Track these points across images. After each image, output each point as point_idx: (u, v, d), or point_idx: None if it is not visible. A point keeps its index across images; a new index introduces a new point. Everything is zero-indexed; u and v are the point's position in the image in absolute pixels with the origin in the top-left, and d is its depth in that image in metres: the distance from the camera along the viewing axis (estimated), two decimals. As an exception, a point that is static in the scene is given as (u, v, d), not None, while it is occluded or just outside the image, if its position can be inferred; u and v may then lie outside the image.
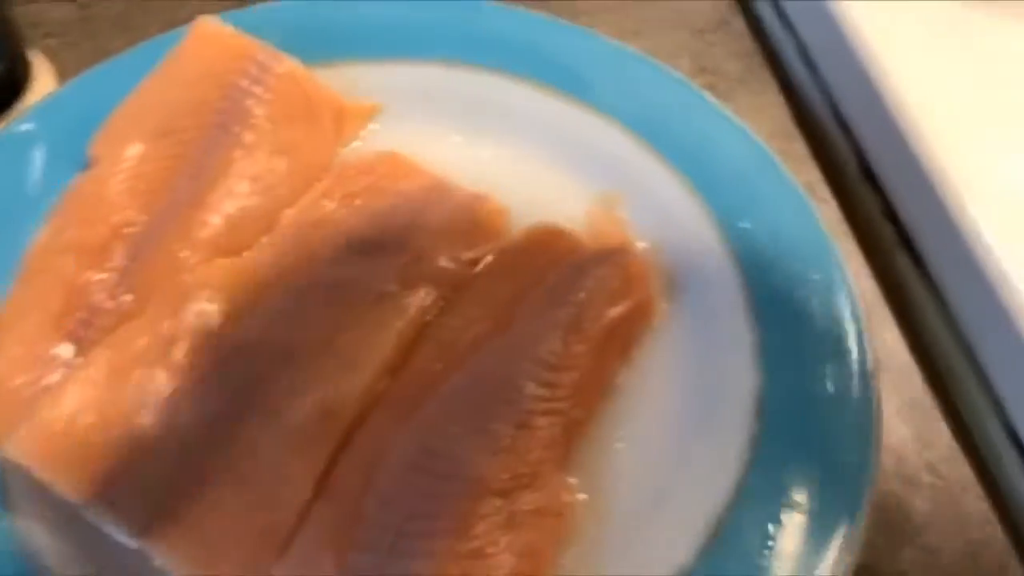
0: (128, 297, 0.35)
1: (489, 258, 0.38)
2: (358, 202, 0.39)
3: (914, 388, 0.39)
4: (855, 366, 0.35)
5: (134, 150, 0.38)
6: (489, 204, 0.40)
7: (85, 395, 0.32)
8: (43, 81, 0.43)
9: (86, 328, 0.35)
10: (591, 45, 0.44)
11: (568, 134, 0.42)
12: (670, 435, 0.35)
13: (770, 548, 0.31)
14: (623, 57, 0.44)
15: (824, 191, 0.44)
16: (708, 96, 0.43)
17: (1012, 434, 0.37)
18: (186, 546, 0.30)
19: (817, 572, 0.31)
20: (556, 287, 0.36)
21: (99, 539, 0.31)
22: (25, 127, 0.39)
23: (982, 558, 0.35)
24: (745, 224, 0.39)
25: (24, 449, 0.31)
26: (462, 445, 0.32)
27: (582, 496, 0.33)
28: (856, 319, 0.36)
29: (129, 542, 0.31)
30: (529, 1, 0.49)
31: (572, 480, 0.34)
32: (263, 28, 0.42)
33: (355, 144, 0.42)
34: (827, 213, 0.43)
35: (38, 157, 0.39)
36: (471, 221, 0.39)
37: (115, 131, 0.38)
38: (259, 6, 0.44)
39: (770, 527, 0.32)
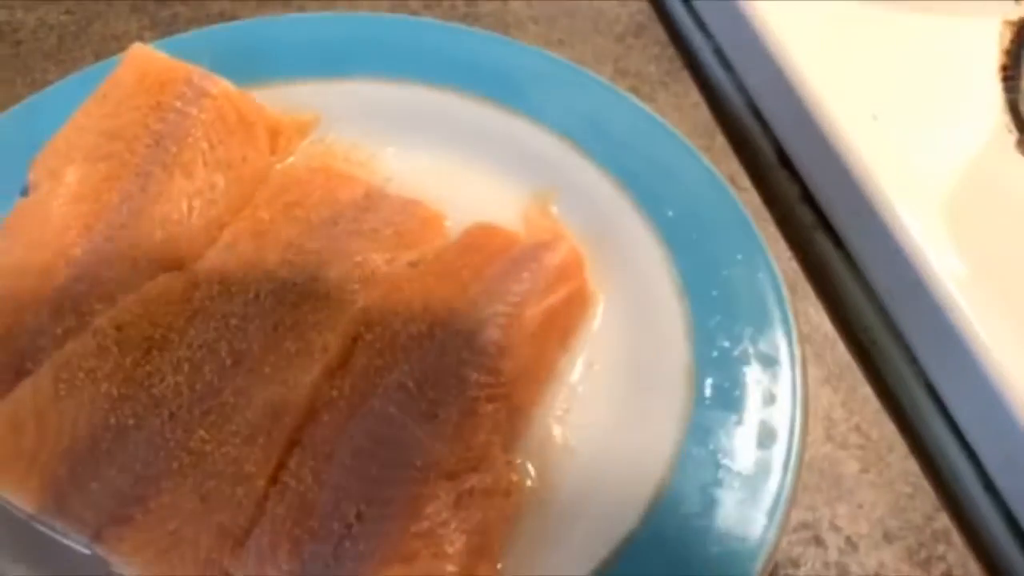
0: (72, 319, 0.36)
1: (428, 259, 0.40)
2: (296, 212, 0.40)
3: (839, 358, 0.41)
4: (780, 335, 0.37)
5: (73, 174, 0.39)
6: (425, 209, 0.41)
7: (32, 406, 0.33)
8: (-21, 116, 0.44)
9: (33, 350, 0.35)
10: (517, 54, 0.46)
11: (500, 139, 0.44)
12: (610, 412, 0.36)
13: (711, 509, 0.33)
14: (549, 64, 0.46)
15: (745, 181, 0.46)
16: (631, 97, 0.45)
17: (933, 394, 0.39)
18: (141, 549, 0.31)
19: (755, 528, 0.32)
20: (494, 280, 0.38)
21: (54, 546, 0.32)
22: (-37, 158, 0.40)
23: (911, 510, 0.37)
24: (670, 213, 0.41)
25: (-24, 464, 0.31)
26: (410, 432, 0.33)
27: (529, 475, 0.35)
28: (778, 291, 0.38)
29: (83, 548, 0.32)
30: (461, 12, 0.51)
31: (518, 461, 0.35)
32: (196, 53, 0.43)
33: (291, 160, 0.43)
34: (749, 201, 0.45)
35: (-23, 187, 0.39)
36: (408, 225, 0.41)
37: (54, 156, 0.39)
38: (191, 32, 0.45)
39: (709, 489, 0.33)
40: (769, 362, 0.36)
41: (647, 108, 0.45)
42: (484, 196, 0.43)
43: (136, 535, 0.31)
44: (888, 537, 0.36)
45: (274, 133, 0.42)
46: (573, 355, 0.38)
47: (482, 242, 0.40)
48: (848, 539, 0.36)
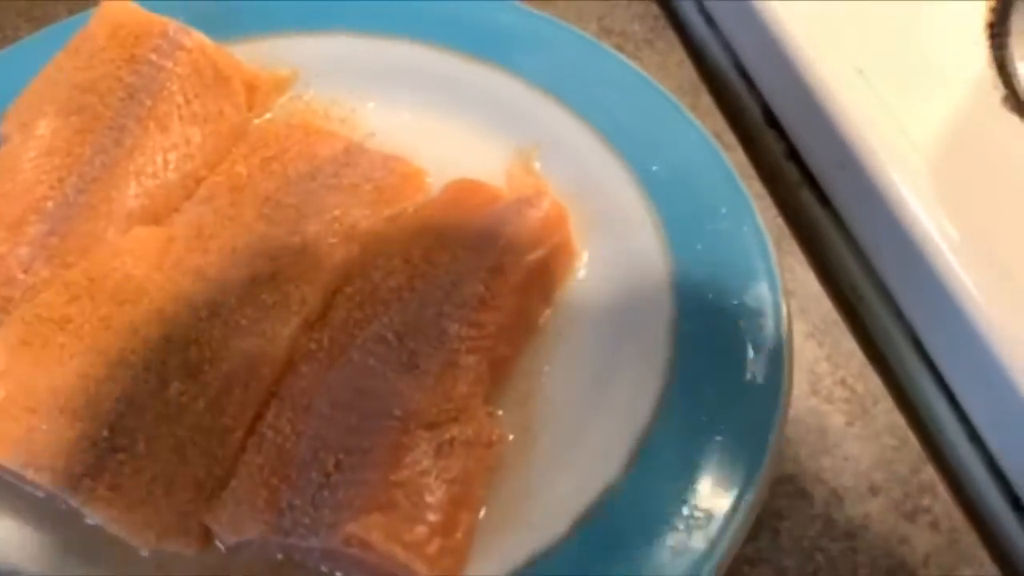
0: (44, 271, 0.35)
1: (409, 213, 0.39)
2: (274, 167, 0.39)
3: (824, 312, 0.40)
4: (765, 288, 0.37)
5: (46, 126, 0.38)
6: (405, 164, 0.41)
7: (6, 362, 0.32)
8: (-50, 72, 0.43)
9: (3, 302, 0.34)
10: (500, 9, 0.46)
11: (482, 95, 0.43)
12: (593, 364, 0.36)
13: (692, 461, 0.33)
14: (532, 19, 0.45)
15: (731, 138, 0.46)
16: (615, 52, 0.44)
17: (918, 345, 0.39)
18: (115, 500, 0.31)
19: (738, 480, 0.32)
20: (476, 234, 0.37)
21: (31, 501, 0.31)
22: (-68, 112, 0.39)
23: (896, 462, 0.36)
24: (655, 167, 0.41)
25: (-55, 416, 0.31)
26: (390, 383, 0.32)
27: (510, 426, 0.34)
28: (763, 245, 0.38)
29: (59, 503, 0.31)
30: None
31: (499, 412, 0.34)
32: (171, 7, 0.42)
33: (268, 116, 0.42)
34: (735, 159, 0.44)
35: (-53, 141, 0.39)
36: (388, 181, 0.40)
37: (25, 109, 0.38)
38: (166, -13, 0.44)
39: (691, 441, 0.33)
40: (753, 314, 0.36)
41: (632, 64, 0.44)
42: (466, 152, 0.42)
43: (110, 487, 0.30)
44: (873, 489, 0.36)
45: (251, 88, 0.42)
46: (556, 308, 0.38)
47: (464, 197, 0.40)
48: (833, 491, 0.36)
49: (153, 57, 0.39)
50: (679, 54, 0.49)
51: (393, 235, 0.38)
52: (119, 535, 0.31)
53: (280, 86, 0.43)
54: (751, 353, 0.35)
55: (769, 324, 0.36)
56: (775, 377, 0.35)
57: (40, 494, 0.31)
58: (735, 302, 0.36)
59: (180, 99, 0.39)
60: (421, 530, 0.30)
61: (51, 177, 0.37)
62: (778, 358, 0.35)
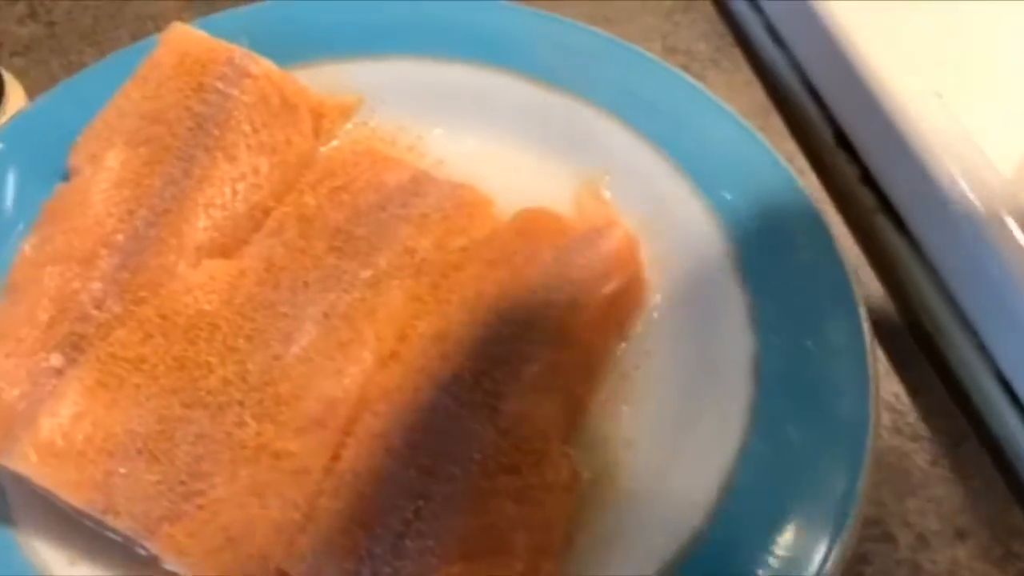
0: (117, 306, 0.35)
1: (478, 245, 0.38)
2: (343, 197, 0.39)
3: (904, 345, 0.39)
4: (848, 323, 0.35)
5: (114, 158, 0.37)
6: (473, 193, 0.40)
7: (81, 404, 0.32)
8: (14, 100, 0.43)
9: (76, 338, 0.34)
10: (566, 31, 0.45)
11: (549, 120, 0.43)
12: (671, 403, 0.35)
13: (780, 505, 0.32)
14: (598, 41, 0.44)
15: (802, 162, 0.45)
16: (683, 74, 0.43)
17: (1003, 382, 0.38)
18: (193, 547, 0.30)
19: (826, 525, 0.31)
20: (549, 267, 0.37)
21: (107, 546, 0.31)
22: (3, 143, 0.39)
23: (984, 505, 0.35)
24: (728, 195, 0.39)
25: (23, 460, 0.30)
26: (467, 425, 0.32)
27: (587, 469, 0.33)
28: (844, 277, 0.37)
29: (136, 547, 0.31)
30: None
31: (577, 455, 0.34)
32: (235, 32, 0.41)
33: (335, 142, 0.42)
34: (806, 182, 0.43)
35: (16, 173, 0.39)
36: (456, 210, 0.39)
37: (94, 140, 0.38)
38: (229, 11, 0.44)
39: (778, 485, 0.32)
40: (837, 352, 0.35)
41: (700, 86, 0.43)
42: (534, 179, 0.42)
43: (188, 533, 0.30)
44: (961, 534, 0.35)
45: (317, 115, 0.41)
46: (631, 344, 0.37)
47: (534, 227, 0.39)
48: (919, 535, 0.35)
49: (220, 85, 0.39)
50: (746, 74, 0.48)
51: (464, 268, 0.37)
52: (197, 581, 0.30)
53: (345, 112, 0.42)
54: (836, 392, 0.34)
55: (854, 361, 0.35)
56: (862, 417, 0.33)
57: (118, 539, 0.31)
58: (818, 339, 0.35)
59: (247, 128, 0.39)
60: (505, 581, 0.29)
61: (121, 210, 0.37)
62: (864, 397, 0.34)
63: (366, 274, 0.36)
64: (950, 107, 0.42)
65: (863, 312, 0.36)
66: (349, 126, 0.42)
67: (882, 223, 0.43)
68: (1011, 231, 0.38)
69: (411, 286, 0.36)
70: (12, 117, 0.41)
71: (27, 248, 0.36)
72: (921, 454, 0.36)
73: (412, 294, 0.36)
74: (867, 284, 0.41)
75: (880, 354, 0.39)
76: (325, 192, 0.39)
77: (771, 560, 0.31)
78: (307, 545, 0.30)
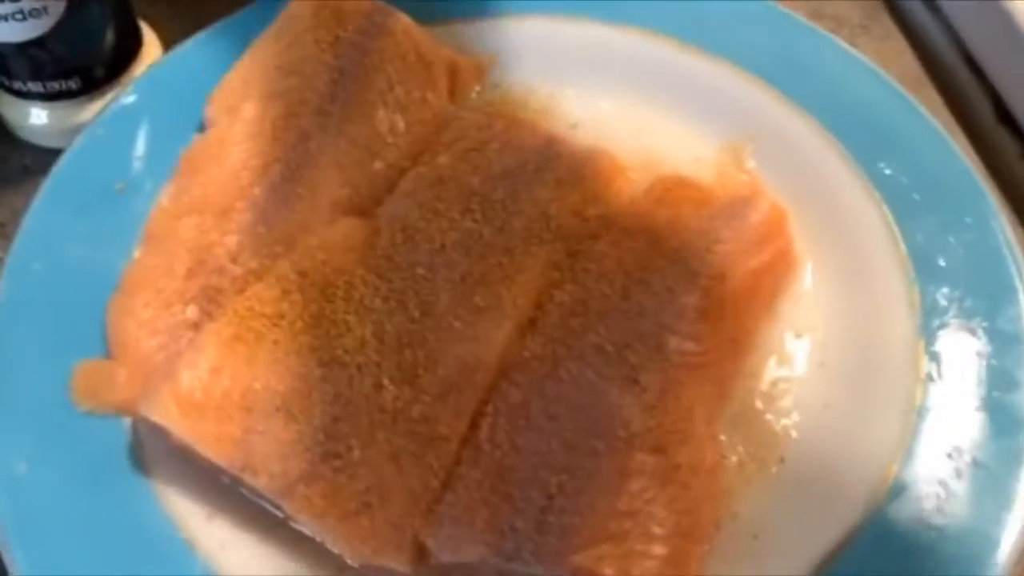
0: (252, 261, 0.34)
1: (616, 213, 0.37)
2: (477, 160, 0.37)
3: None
4: (1020, 308, 0.33)
5: (251, 110, 0.37)
6: (609, 159, 0.38)
7: (220, 358, 0.31)
8: (151, 49, 0.42)
9: (213, 291, 0.34)
10: (706, -9, 0.42)
11: (689, 83, 0.41)
12: (824, 389, 0.33)
13: (946, 504, 0.30)
14: (742, 2, 0.42)
15: (960, 138, 0.42)
16: (836, 39, 0.41)
17: None
18: (330, 510, 0.29)
19: (998, 526, 0.29)
20: (692, 237, 0.35)
21: (241, 503, 0.31)
22: (139, 94, 0.39)
23: None
24: (887, 169, 0.37)
25: (164, 411, 0.30)
26: (611, 400, 0.30)
27: (733, 452, 0.32)
28: (1016, 261, 0.34)
29: (271, 507, 0.30)
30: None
31: (723, 436, 0.32)
32: (370, -14, 0.40)
33: (470, 101, 0.41)
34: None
35: (153, 123, 0.38)
36: (592, 176, 0.38)
37: (230, 92, 0.38)
38: (365, -36, 0.43)
39: (944, 482, 0.30)
40: (1009, 340, 0.32)
41: (854, 51, 0.40)
42: (672, 144, 0.40)
43: (324, 495, 0.29)
44: None
45: (452, 74, 0.40)
46: (779, 323, 0.35)
47: (674, 195, 0.37)
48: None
49: (357, 39, 0.38)
50: (898, 42, 0.45)
51: (602, 236, 0.36)
52: (331, 546, 0.30)
53: (479, 73, 0.41)
54: (1009, 384, 0.32)
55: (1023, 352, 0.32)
56: (1033, 412, 0.31)
57: (250, 495, 0.31)
58: (987, 325, 0.33)
59: (384, 84, 0.38)
60: (651, 565, 0.28)
61: (257, 163, 0.36)
62: (1037, 389, 0.31)
63: (502, 239, 0.35)
64: None
65: (1036, 299, 0.33)
66: (480, 89, 0.41)
67: (1048, 204, 0.40)
68: None
69: (548, 252, 0.35)
70: (149, 67, 0.40)
71: (164, 198, 0.36)
72: (1093, 455, 0.34)
73: (549, 261, 0.35)
74: (1031, 270, 0.38)
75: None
76: (459, 153, 0.38)
77: (935, 560, 0.29)
78: (445, 515, 0.29)
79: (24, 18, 0.37)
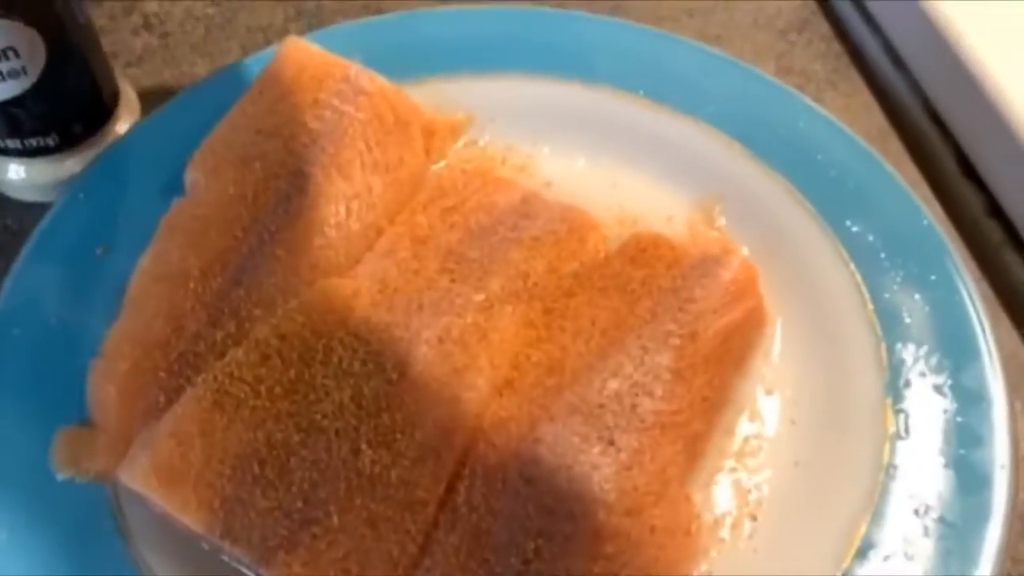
0: (231, 324, 0.35)
1: (590, 271, 0.37)
2: (454, 218, 0.38)
3: (1040, 390, 0.37)
4: (985, 366, 0.34)
5: (230, 173, 0.37)
6: (584, 216, 0.39)
7: (199, 425, 0.31)
8: (129, 105, 0.43)
9: (192, 356, 0.34)
10: (678, 50, 0.44)
11: (661, 141, 0.42)
12: (794, 447, 0.34)
13: (914, 563, 0.30)
14: (711, 60, 0.43)
15: (925, 191, 0.43)
16: (802, 96, 0.42)
17: None
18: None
19: (964, 585, 0.30)
20: (664, 296, 0.35)
21: (221, 570, 0.31)
22: (120, 157, 0.39)
23: None
24: (854, 227, 0.38)
25: (143, 479, 0.30)
26: (587, 461, 0.31)
27: (709, 512, 0.32)
28: (979, 318, 0.35)
29: (251, 573, 0.31)
30: (610, 4, 0.49)
31: (697, 496, 0.32)
32: (349, 47, 0.41)
33: (443, 163, 0.41)
34: (930, 213, 0.42)
35: (135, 187, 0.39)
36: (568, 234, 0.38)
37: (210, 155, 0.38)
38: (342, 25, 0.44)
39: (912, 540, 0.31)
40: (973, 397, 0.33)
41: (820, 108, 0.42)
42: (645, 202, 0.41)
43: (304, 562, 0.30)
44: (1103, 594, 0.33)
45: (428, 134, 0.41)
46: (750, 381, 0.35)
47: (647, 253, 0.38)
48: (1059, 595, 0.33)
49: (336, 102, 0.39)
50: (865, 96, 0.46)
51: (577, 294, 0.36)
52: (312, 610, 0.30)
53: (456, 131, 0.42)
54: (974, 441, 0.32)
55: (993, 408, 0.33)
56: (1003, 468, 0.32)
57: (233, 563, 0.31)
58: (953, 383, 0.34)
59: (362, 146, 0.38)
60: (627, 628, 0.28)
61: (236, 226, 0.36)
62: (1004, 445, 0.32)
63: (479, 298, 0.35)
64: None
65: (998, 358, 0.34)
66: (459, 145, 0.42)
67: (1011, 258, 0.41)
68: None
69: (524, 311, 0.36)
70: (129, 130, 0.41)
71: (145, 262, 0.36)
72: (1059, 508, 0.35)
73: (525, 320, 0.35)
74: (997, 323, 0.39)
75: (1012, 397, 0.37)
76: (437, 212, 0.38)
77: (905, 619, 0.29)
78: (423, 579, 0.30)
79: (3, 79, 0.37)
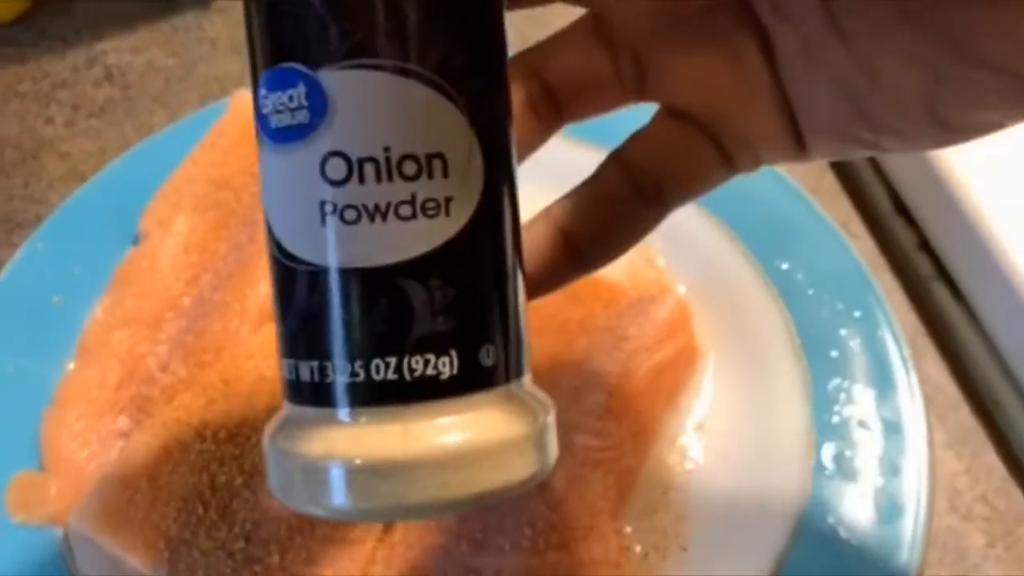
0: (182, 369, 0.36)
1: (529, 309, 0.39)
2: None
3: (962, 420, 0.39)
4: (904, 399, 0.35)
5: (182, 223, 0.39)
6: (527, 257, 0.41)
7: (147, 468, 0.33)
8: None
9: (143, 400, 0.35)
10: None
11: (601, 184, 0.43)
12: (723, 477, 0.35)
13: (831, 589, 0.31)
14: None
15: (858, 227, 0.45)
16: (737, 140, 0.44)
17: (1066, 462, 0.37)
18: (251, 612, 0.31)
19: (880, 612, 0.31)
20: (600, 336, 0.37)
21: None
22: (76, 209, 0.41)
23: (1045, 590, 0.35)
24: (784, 265, 0.40)
25: (92, 522, 0.32)
26: (517, 498, 0.32)
27: (638, 543, 0.34)
28: (900, 353, 0.36)
29: (195, 611, 0.32)
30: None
31: (628, 529, 0.34)
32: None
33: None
34: (863, 247, 0.43)
35: (90, 237, 0.40)
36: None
37: (163, 205, 0.40)
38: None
39: (831, 566, 0.32)
40: (893, 429, 0.35)
41: (755, 152, 0.43)
42: (586, 243, 0.42)
43: (246, 599, 0.31)
44: (1019, 617, 0.34)
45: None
46: (681, 416, 0.37)
47: (586, 294, 0.39)
48: (976, 619, 0.34)
49: (284, 152, 0.40)
50: (802, 135, 0.48)
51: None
52: (253, 648, 0.31)
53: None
54: (892, 471, 0.34)
55: (910, 440, 0.34)
56: (918, 498, 0.33)
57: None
58: (874, 415, 0.35)
59: (309, 194, 0.40)
60: (554, 660, 0.29)
61: (187, 274, 0.38)
62: (921, 477, 0.34)
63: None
64: (1014, 179, 0.42)
65: (919, 392, 0.36)
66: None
67: (939, 291, 0.43)
68: (1074, 304, 0.38)
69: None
70: (90, 178, 0.42)
71: (98, 311, 0.38)
72: (977, 535, 0.36)
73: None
74: (923, 354, 0.40)
75: (937, 428, 0.38)
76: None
77: (822, 646, 0.30)
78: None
79: (414, 212, 0.18)
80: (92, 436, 0.34)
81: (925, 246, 0.44)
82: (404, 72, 0.19)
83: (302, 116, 0.19)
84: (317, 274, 0.20)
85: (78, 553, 0.33)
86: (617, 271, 0.41)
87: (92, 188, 0.41)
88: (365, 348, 0.19)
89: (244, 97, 0.42)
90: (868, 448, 0.34)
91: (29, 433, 0.35)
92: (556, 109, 0.25)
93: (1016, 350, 0.40)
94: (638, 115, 0.26)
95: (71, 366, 0.36)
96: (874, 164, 0.47)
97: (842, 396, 0.36)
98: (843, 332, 0.37)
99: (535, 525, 0.32)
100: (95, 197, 0.41)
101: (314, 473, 0.20)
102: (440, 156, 0.19)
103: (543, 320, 0.38)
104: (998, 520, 0.36)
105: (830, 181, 0.47)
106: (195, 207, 0.39)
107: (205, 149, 0.41)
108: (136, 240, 0.40)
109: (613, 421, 0.35)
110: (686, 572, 0.33)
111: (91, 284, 0.38)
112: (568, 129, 0.44)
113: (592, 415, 0.35)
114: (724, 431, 0.36)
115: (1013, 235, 0.40)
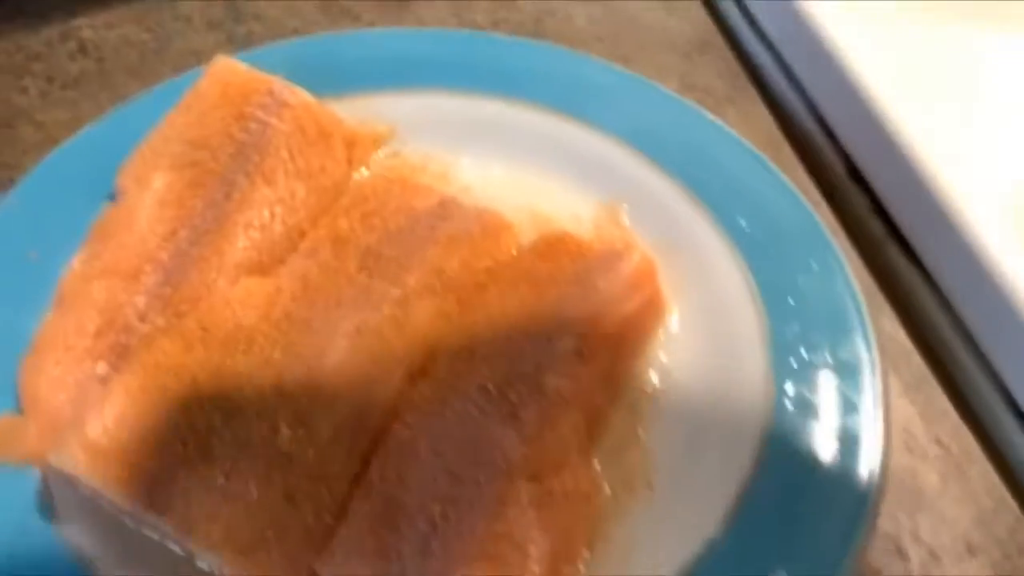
0: (160, 319, 0.37)
1: (502, 266, 0.40)
2: (374, 221, 0.41)
3: (915, 369, 0.40)
4: (860, 344, 0.37)
5: (159, 180, 0.40)
6: (498, 218, 0.42)
7: (126, 408, 0.33)
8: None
9: (121, 348, 0.36)
10: (588, 68, 0.47)
11: (571, 151, 0.45)
12: (689, 418, 0.36)
13: (792, 518, 0.33)
14: (617, 77, 0.47)
15: (815, 194, 0.46)
16: (699, 108, 0.45)
17: (1011, 403, 0.39)
18: (229, 546, 0.31)
19: (838, 537, 0.32)
20: (569, 287, 0.38)
21: (146, 545, 0.32)
22: (53, 167, 0.41)
23: (994, 524, 0.36)
24: (743, 222, 0.41)
25: (72, 459, 0.32)
26: (492, 434, 0.33)
27: (607, 480, 0.35)
28: (855, 299, 0.38)
29: (175, 546, 0.32)
30: (530, 30, 0.52)
31: (597, 465, 0.35)
32: (274, 66, 0.44)
33: (365, 171, 0.44)
34: (819, 213, 0.45)
35: (67, 194, 0.41)
36: (482, 233, 0.41)
37: (141, 163, 0.40)
38: (269, 45, 0.47)
39: (791, 498, 0.33)
40: (849, 370, 0.36)
41: (715, 119, 0.45)
42: (556, 205, 0.43)
43: (225, 532, 0.31)
44: (972, 550, 0.36)
45: (350, 144, 0.43)
46: (649, 360, 0.38)
47: (555, 249, 0.41)
48: (931, 551, 0.36)
49: (260, 114, 0.41)
50: (760, 110, 0.50)
51: (489, 287, 0.39)
52: (231, 579, 0.32)
53: (378, 142, 0.44)
54: (849, 409, 0.35)
55: (866, 379, 0.36)
56: (874, 432, 0.35)
57: (155, 536, 0.33)
58: (830, 358, 0.37)
59: (285, 154, 0.41)
60: (527, 582, 0.30)
61: (165, 229, 0.39)
62: (876, 415, 0.35)
63: (396, 292, 0.38)
64: (959, 137, 0.44)
65: (873, 336, 0.37)
66: (381, 155, 0.44)
67: (893, 252, 0.45)
68: (1017, 258, 0.39)
69: (439, 304, 0.38)
70: (69, 138, 0.43)
71: (76, 263, 0.38)
72: (932, 475, 0.37)
73: (439, 311, 0.38)
74: (878, 310, 0.42)
75: (892, 377, 0.40)
76: (358, 216, 0.41)
77: (783, 569, 0.32)
78: (338, 547, 0.31)
79: None
80: (70, 381, 0.35)
81: (878, 210, 0.46)
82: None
83: None
84: None
85: (56, 492, 0.33)
86: (584, 229, 0.42)
87: (67, 149, 0.42)
88: None
89: (221, 62, 0.43)
90: (826, 388, 0.36)
91: (8, 380, 0.35)
92: None
93: (966, 303, 0.42)
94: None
95: (49, 316, 0.37)
96: (830, 135, 0.49)
97: (800, 341, 0.37)
98: (800, 281, 0.39)
99: (509, 458, 0.33)
100: (71, 157, 0.42)
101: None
102: None
103: (516, 273, 0.39)
104: (951, 461, 0.38)
105: (788, 153, 0.49)
106: (172, 165, 0.40)
107: (182, 111, 0.42)
108: (113, 197, 0.40)
109: (583, 365, 0.36)
110: (652, 508, 0.34)
111: (68, 240, 0.39)
112: (540, 100, 0.46)
113: (563, 359, 0.36)
114: (689, 376, 0.37)
115: (961, 195, 0.42)
